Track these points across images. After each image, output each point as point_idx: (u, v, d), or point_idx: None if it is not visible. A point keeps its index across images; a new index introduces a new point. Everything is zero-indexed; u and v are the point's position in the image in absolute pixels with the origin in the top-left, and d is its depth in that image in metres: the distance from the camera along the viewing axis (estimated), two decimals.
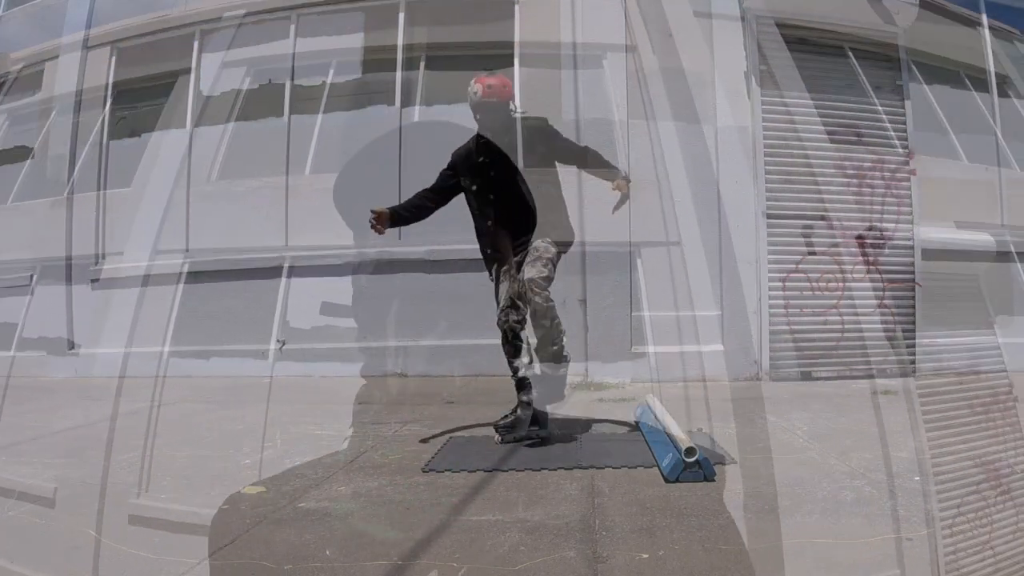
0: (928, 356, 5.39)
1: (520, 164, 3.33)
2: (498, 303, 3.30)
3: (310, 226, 6.08)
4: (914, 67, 5.78)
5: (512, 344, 3.25)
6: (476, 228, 3.45)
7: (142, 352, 5.95)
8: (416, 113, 6.16)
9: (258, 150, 6.29)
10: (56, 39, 6.96)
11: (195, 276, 6.15)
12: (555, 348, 3.27)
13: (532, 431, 3.23)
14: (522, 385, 3.26)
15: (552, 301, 3.21)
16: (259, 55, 6.39)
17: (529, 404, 3.24)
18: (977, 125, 6.18)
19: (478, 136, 3.39)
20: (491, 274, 3.41)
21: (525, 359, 3.26)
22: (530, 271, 3.18)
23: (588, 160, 3.50)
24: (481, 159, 3.34)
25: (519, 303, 3.19)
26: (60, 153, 6.88)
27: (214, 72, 6.39)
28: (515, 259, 3.29)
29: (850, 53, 5.52)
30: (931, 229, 5.47)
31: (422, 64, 6.23)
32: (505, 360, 3.31)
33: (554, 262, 3.25)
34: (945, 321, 5.23)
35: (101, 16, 6.85)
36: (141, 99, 6.87)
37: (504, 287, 3.29)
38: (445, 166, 3.47)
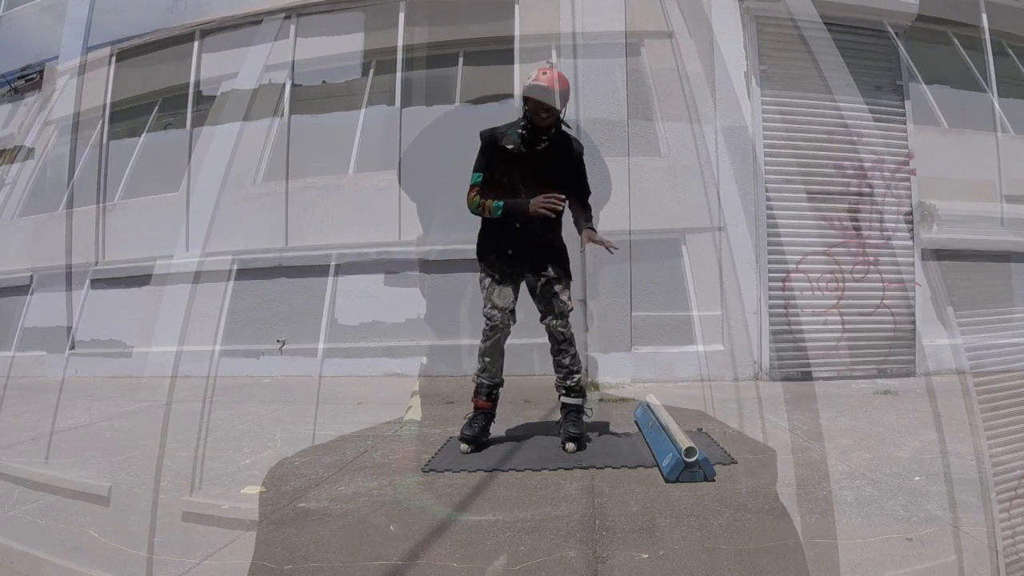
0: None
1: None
2: (494, 303, 3.13)
3: (305, 228, 6.12)
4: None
5: (496, 345, 3.15)
6: (496, 225, 3.16)
7: (150, 351, 6.03)
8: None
9: (299, 150, 6.34)
10: (102, 49, 7.06)
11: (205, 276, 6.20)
12: (576, 379, 3.24)
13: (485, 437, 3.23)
14: (492, 393, 3.23)
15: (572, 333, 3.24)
16: (298, 57, 6.44)
17: (490, 412, 3.24)
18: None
19: (522, 124, 3.12)
20: (492, 274, 3.17)
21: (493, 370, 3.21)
22: (558, 305, 3.16)
23: (584, 201, 3.30)
24: (510, 147, 3.11)
25: (507, 320, 3.14)
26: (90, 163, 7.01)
27: (256, 74, 6.42)
28: (531, 272, 3.18)
29: (850, 53, 5.51)
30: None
31: (460, 60, 6.25)
32: (478, 365, 3.22)
33: (570, 293, 3.25)
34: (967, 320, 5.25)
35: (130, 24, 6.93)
36: (182, 106, 6.92)
37: (508, 291, 3.15)
38: (478, 154, 3.18)
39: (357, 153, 6.24)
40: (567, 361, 3.22)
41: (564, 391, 3.24)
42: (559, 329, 3.19)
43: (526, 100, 3.09)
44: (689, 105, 5.43)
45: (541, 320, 3.24)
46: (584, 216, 3.27)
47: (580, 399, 3.25)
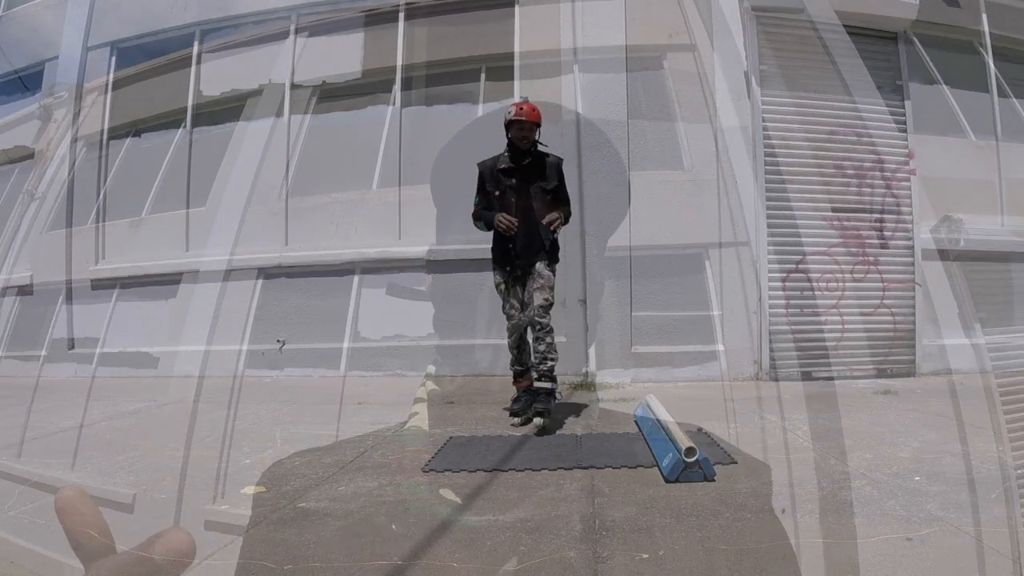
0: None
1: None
2: (511, 304, 3.75)
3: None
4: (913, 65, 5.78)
5: (520, 337, 3.77)
6: (497, 237, 3.76)
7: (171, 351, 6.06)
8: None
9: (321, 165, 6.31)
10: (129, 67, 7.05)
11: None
12: (549, 365, 3.64)
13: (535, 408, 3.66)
14: (525, 374, 3.80)
15: (551, 324, 3.66)
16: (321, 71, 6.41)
17: (529, 388, 3.78)
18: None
19: (507, 148, 3.80)
20: (503, 271, 3.76)
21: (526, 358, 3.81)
22: (538, 298, 3.63)
23: (562, 202, 3.83)
24: (502, 166, 3.77)
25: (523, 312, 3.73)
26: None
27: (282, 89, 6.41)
28: (528, 265, 3.71)
29: (852, 52, 5.51)
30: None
31: (483, 75, 6.25)
32: (509, 356, 3.84)
33: (553, 287, 3.72)
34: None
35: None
36: (216, 121, 6.84)
37: (517, 291, 3.76)
38: (477, 182, 3.82)
39: (368, 168, 6.22)
40: (543, 348, 3.64)
41: (538, 375, 3.67)
42: (538, 319, 3.63)
43: (508, 129, 3.75)
44: (710, 113, 5.43)
45: (522, 310, 3.74)
46: (559, 210, 3.76)
47: (551, 383, 3.67)
